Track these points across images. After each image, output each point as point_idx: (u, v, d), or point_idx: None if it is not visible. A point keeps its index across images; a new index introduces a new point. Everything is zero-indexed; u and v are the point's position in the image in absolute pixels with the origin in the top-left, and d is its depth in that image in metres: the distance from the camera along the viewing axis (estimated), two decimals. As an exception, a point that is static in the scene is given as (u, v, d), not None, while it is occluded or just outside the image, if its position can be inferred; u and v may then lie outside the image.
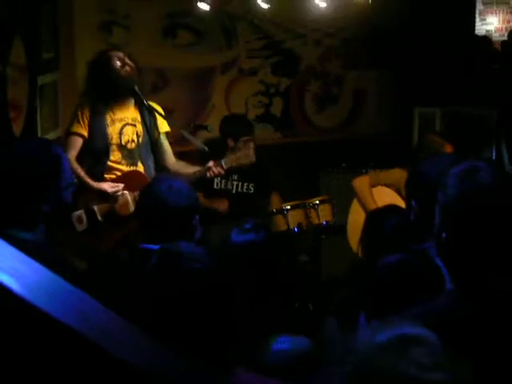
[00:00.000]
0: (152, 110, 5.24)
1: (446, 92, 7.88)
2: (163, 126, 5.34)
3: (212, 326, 2.22)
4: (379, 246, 3.56)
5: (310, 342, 2.92)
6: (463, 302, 2.05)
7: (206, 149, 5.40)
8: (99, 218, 4.99)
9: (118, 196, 5.01)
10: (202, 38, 7.67)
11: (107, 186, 5.06)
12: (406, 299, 2.45)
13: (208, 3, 6.03)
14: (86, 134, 5.09)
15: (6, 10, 5.29)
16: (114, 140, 5.13)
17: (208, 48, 7.74)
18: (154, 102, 6.36)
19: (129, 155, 5.17)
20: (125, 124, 5.15)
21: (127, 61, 5.12)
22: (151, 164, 5.26)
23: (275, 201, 6.63)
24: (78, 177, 4.97)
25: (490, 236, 2.05)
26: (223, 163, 5.27)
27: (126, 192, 5.03)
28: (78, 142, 5.11)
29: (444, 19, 7.89)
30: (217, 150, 6.00)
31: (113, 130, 5.12)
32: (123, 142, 5.14)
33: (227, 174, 6.57)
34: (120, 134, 5.13)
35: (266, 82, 8.10)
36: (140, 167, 5.21)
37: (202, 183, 6.33)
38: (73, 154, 5.06)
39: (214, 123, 7.03)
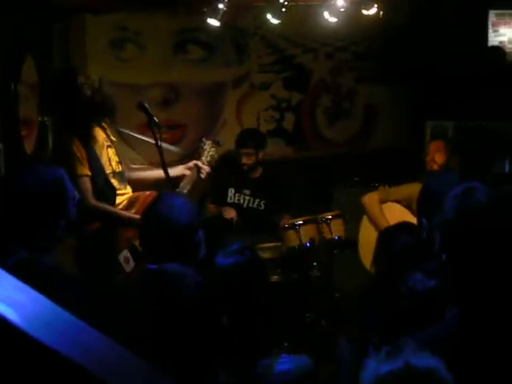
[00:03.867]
0: (100, 124, 5.07)
1: (459, 106, 7.85)
2: (112, 136, 5.16)
3: (194, 349, 2.21)
4: (391, 263, 3.54)
5: (312, 361, 2.91)
6: (464, 326, 2.03)
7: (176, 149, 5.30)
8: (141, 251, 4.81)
9: None
10: (213, 53, 7.68)
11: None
12: (423, 324, 2.43)
13: (218, 19, 6.03)
14: (89, 172, 4.83)
15: (17, 29, 5.32)
16: (108, 169, 4.93)
17: (219, 63, 7.75)
18: (165, 116, 6.37)
19: (121, 179, 5.01)
20: (106, 147, 4.96)
21: (94, 85, 5.00)
22: None
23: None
24: (110, 214, 4.82)
25: (489, 257, 2.03)
26: (204, 160, 5.20)
27: None
28: (88, 183, 4.84)
29: (457, 31, 7.87)
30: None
31: (104, 159, 4.93)
32: (114, 168, 4.97)
33: (240, 189, 6.60)
34: (109, 160, 4.95)
35: (277, 96, 8.10)
36: (129, 188, 5.06)
37: (215, 197, 6.39)
38: (90, 195, 4.83)
39: (225, 138, 7.04)
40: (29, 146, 5.58)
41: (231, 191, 6.71)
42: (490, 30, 9.13)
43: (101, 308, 2.61)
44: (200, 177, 5.16)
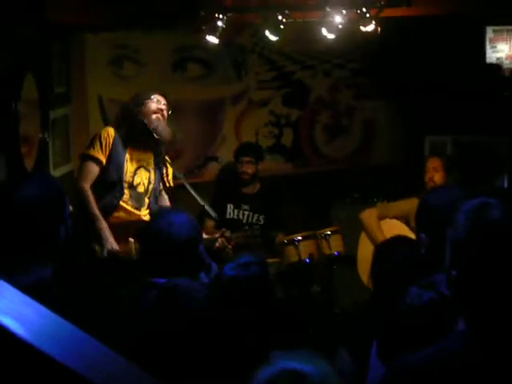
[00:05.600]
0: (165, 162, 5.19)
1: (457, 121, 7.87)
2: (171, 180, 5.27)
3: (207, 362, 2.24)
4: (388, 277, 3.54)
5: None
6: (474, 346, 2.00)
7: (213, 213, 5.40)
8: (98, 256, 4.84)
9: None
10: (212, 70, 7.72)
11: (113, 242, 4.87)
12: (426, 339, 2.42)
13: (217, 37, 6.06)
14: (104, 160, 4.95)
15: (16, 47, 5.35)
16: (127, 178, 5.03)
17: (218, 80, 7.79)
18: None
19: (136, 197, 5.08)
20: (140, 166, 5.07)
21: (162, 107, 5.12)
22: None
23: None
24: (93, 215, 4.86)
25: (503, 276, 1.99)
26: (234, 236, 5.57)
27: (131, 240, 4.85)
28: (94, 169, 4.96)
29: (454, 47, 7.90)
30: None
31: (129, 168, 5.04)
32: (135, 183, 5.06)
33: (239, 205, 6.62)
34: (134, 174, 5.05)
35: (276, 113, 8.14)
36: (143, 212, 5.11)
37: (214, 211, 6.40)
38: (88, 181, 4.93)
39: (224, 154, 7.08)
40: (29, 163, 5.60)
41: (230, 207, 6.71)
42: (488, 46, 9.17)
43: (110, 322, 2.62)
44: (214, 243, 5.28)
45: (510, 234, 2.01)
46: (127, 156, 5.04)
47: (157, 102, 5.14)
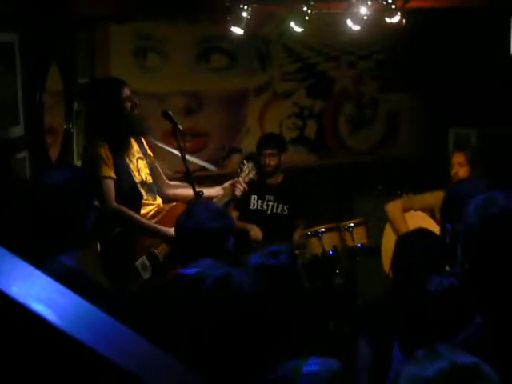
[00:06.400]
0: (141, 139, 5.18)
1: (482, 113, 7.83)
2: (149, 150, 5.25)
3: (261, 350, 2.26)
4: (408, 269, 3.54)
5: (340, 364, 2.90)
6: (489, 339, 2.00)
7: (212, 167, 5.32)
8: (160, 259, 4.79)
9: None
10: (236, 61, 7.72)
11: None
12: (447, 326, 2.41)
13: (242, 28, 6.05)
14: (113, 175, 4.86)
15: (42, 37, 5.37)
16: (137, 178, 4.97)
17: (242, 71, 7.78)
18: (188, 125, 6.39)
19: (150, 190, 5.03)
20: (137, 158, 5.03)
21: (134, 100, 5.02)
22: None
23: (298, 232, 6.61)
24: (130, 219, 4.81)
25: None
26: (241, 180, 5.23)
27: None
28: (112, 187, 4.85)
29: (479, 39, 7.85)
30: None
31: (133, 168, 4.99)
32: (144, 179, 5.00)
33: (263, 195, 6.61)
34: (138, 171, 5.00)
35: (300, 104, 8.12)
36: (159, 199, 5.09)
37: (238, 204, 6.38)
38: (112, 198, 4.82)
39: (248, 146, 7.09)
40: (54, 153, 5.61)
41: (254, 198, 6.71)
42: (513, 38, 9.08)
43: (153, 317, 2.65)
44: (234, 194, 5.17)
45: None
46: (126, 159, 4.97)
47: (127, 98, 5.01)
